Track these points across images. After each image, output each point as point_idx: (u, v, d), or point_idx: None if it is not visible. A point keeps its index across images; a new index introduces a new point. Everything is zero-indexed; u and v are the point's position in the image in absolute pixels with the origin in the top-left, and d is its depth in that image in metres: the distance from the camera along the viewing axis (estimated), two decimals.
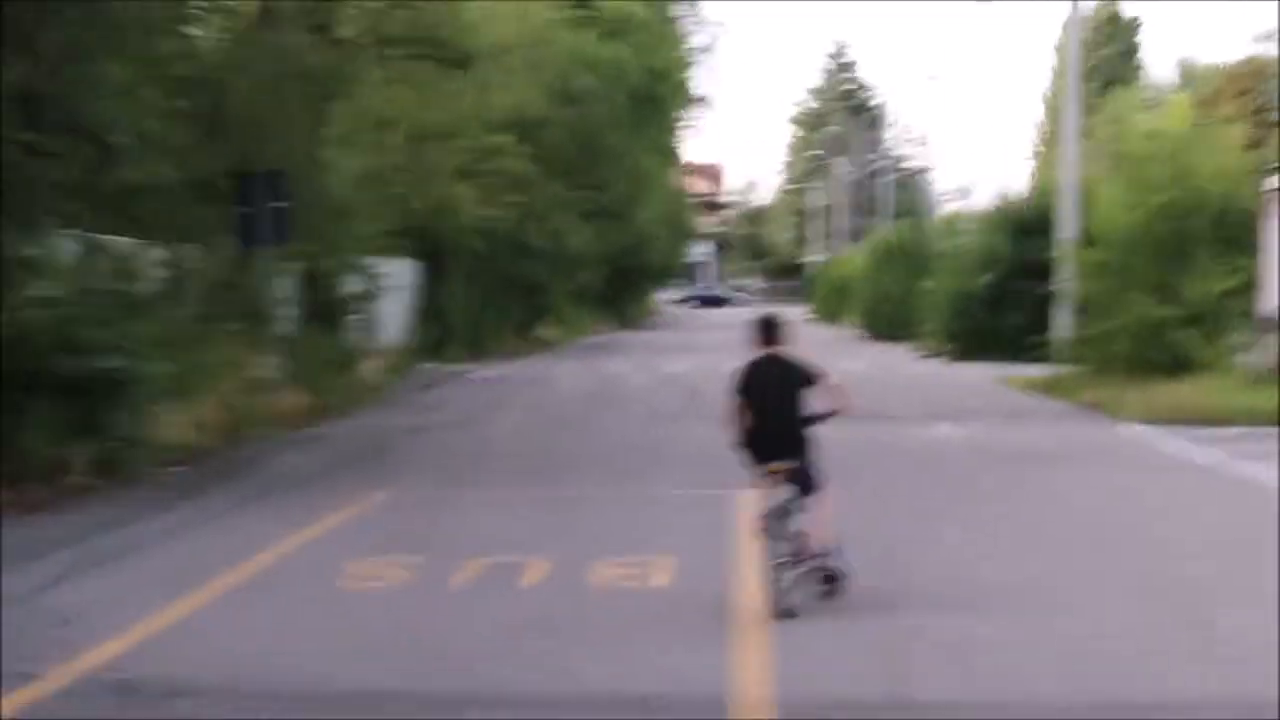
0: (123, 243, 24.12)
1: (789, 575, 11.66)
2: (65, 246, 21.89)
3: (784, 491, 11.78)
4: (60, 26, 19.35)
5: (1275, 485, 18.74)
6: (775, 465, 11.84)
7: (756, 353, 12.14)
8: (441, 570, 13.34)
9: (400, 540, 14.96)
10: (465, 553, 14.15)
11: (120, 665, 10.33)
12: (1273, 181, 29.55)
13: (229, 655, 10.66)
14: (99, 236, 23.32)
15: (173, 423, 22.88)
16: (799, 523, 11.81)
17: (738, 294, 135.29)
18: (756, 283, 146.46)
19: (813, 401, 12.03)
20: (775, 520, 11.74)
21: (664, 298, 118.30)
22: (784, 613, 11.47)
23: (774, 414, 11.92)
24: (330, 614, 11.94)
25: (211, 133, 27.84)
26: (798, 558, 11.75)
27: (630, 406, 31.33)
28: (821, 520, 12.01)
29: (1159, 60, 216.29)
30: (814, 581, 11.93)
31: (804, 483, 11.85)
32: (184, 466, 21.12)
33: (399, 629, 11.37)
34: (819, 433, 12.13)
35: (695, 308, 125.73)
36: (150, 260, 25.74)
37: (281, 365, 29.41)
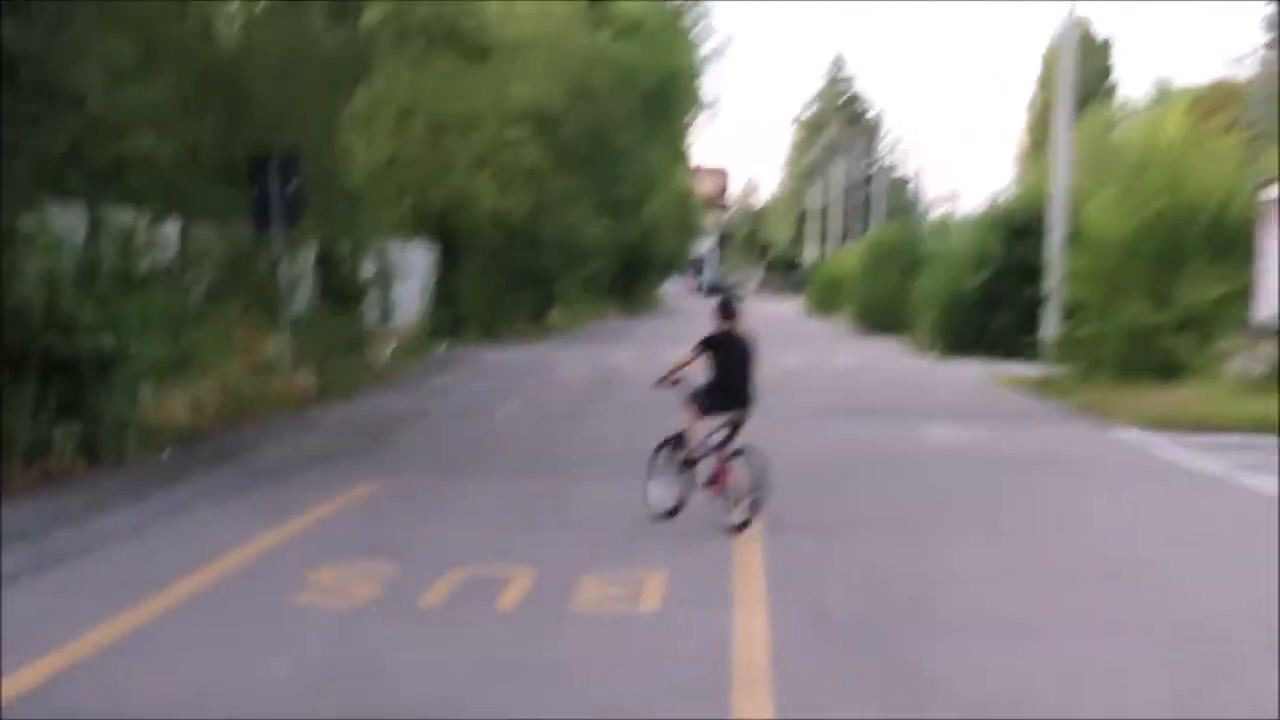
0: (129, 218, 22.02)
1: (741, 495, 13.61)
2: (67, 221, 19.85)
3: (719, 433, 13.84)
4: None
5: None
6: (729, 414, 13.79)
7: (719, 326, 13.89)
8: (413, 585, 11.19)
9: (377, 544, 12.80)
10: (443, 562, 12.02)
11: (45, 692, 8.29)
12: (1271, 192, 27.38)
13: (163, 684, 8.57)
14: (105, 211, 21.26)
15: (171, 403, 20.81)
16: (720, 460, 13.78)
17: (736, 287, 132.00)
18: (757, 276, 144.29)
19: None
20: (707, 450, 13.88)
21: (673, 287, 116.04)
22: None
23: (735, 377, 13.75)
24: (281, 637, 9.81)
25: (228, 113, 25.80)
26: (718, 483, 13.80)
27: (628, 398, 28.97)
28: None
29: (1129, 82, 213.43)
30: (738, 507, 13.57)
31: (738, 426, 13.85)
32: (173, 450, 18.98)
33: (353, 660, 9.23)
34: None
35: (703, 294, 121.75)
36: (160, 237, 23.69)
37: (290, 346, 27.30)
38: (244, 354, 25.11)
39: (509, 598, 10.88)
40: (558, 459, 19.56)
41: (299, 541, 13.05)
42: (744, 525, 13.44)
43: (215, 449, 19.44)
